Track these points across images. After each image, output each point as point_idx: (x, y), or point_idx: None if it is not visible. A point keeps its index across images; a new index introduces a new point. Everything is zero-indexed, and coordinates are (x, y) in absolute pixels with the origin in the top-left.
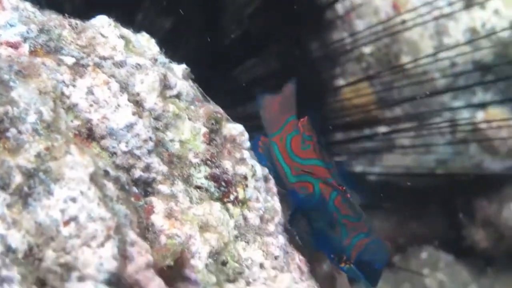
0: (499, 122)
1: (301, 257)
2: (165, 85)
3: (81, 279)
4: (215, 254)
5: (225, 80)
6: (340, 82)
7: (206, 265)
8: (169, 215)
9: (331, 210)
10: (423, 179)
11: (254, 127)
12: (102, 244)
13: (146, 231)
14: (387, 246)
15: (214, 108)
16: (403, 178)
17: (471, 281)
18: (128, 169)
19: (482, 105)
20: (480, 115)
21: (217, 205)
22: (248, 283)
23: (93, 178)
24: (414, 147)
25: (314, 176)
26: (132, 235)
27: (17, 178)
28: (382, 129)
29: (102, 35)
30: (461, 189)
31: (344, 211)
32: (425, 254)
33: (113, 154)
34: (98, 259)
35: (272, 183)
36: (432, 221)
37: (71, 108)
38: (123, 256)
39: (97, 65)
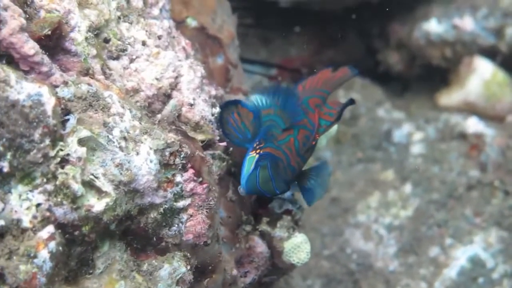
0: None
1: (187, 41)
2: None
3: None
4: (95, 30)
5: None
6: None
7: (86, 38)
8: None
9: (295, 127)
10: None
11: None
12: None
13: (25, 6)
14: (275, 187)
15: None
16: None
17: (386, 100)
18: None
19: None
20: None
21: None
22: (131, 60)
23: None
24: None
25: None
26: (5, 0)
27: None
28: None
29: None
30: (376, 15)
31: (301, 138)
32: None
33: None
34: None
35: None
36: (349, 48)
37: None
38: None
39: None
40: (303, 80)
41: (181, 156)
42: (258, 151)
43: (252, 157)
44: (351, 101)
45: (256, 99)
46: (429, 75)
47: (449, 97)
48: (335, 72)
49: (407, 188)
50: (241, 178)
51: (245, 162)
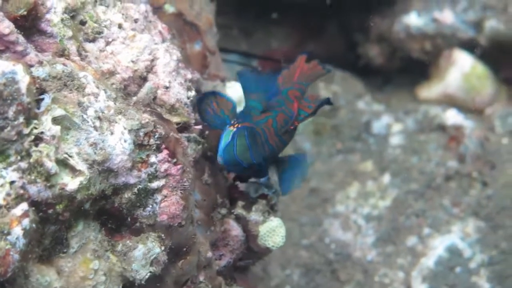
0: None
1: (163, 25)
2: None
3: None
4: (71, 11)
5: None
6: None
7: (62, 20)
8: None
9: (274, 110)
10: None
11: None
12: None
13: None
14: (242, 160)
15: None
16: None
17: (366, 93)
18: None
19: None
20: None
21: None
22: (107, 43)
23: None
24: None
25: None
26: None
27: None
28: None
29: None
30: (356, 8)
31: (279, 120)
32: None
33: None
34: None
35: None
36: (330, 41)
37: None
38: None
39: None
40: (283, 69)
41: (156, 136)
42: (236, 126)
43: (230, 130)
44: (328, 101)
45: (242, 84)
46: (409, 68)
47: (429, 90)
48: (309, 63)
49: (386, 178)
50: (218, 149)
51: (223, 135)
